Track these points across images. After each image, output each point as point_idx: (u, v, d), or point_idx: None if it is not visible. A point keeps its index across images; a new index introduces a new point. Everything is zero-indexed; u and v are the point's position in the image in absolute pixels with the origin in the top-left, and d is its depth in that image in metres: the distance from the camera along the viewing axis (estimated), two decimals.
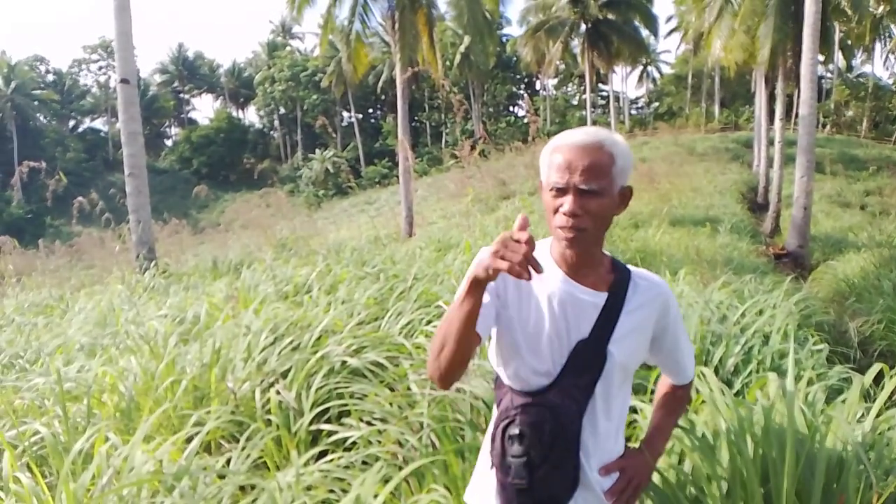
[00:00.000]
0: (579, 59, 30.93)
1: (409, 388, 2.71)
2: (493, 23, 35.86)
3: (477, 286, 1.22)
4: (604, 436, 1.44)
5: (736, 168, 26.59)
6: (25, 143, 53.49)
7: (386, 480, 2.10)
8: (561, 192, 1.33)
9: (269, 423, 2.71)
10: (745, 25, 17.27)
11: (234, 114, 67.50)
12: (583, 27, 28.38)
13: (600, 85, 50.66)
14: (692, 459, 1.99)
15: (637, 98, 65.67)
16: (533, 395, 1.41)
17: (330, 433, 2.55)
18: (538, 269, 1.13)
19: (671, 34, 51.85)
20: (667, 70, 58.18)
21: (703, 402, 2.35)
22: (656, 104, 60.54)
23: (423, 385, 2.61)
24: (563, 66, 44.03)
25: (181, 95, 69.76)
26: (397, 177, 20.50)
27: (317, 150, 51.19)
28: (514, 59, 50.39)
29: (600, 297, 1.41)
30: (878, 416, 2.19)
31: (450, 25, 41.21)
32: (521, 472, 1.38)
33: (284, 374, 2.97)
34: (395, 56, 16.66)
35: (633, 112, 62.14)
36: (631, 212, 11.68)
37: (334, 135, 55.61)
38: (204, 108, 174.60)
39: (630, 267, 1.49)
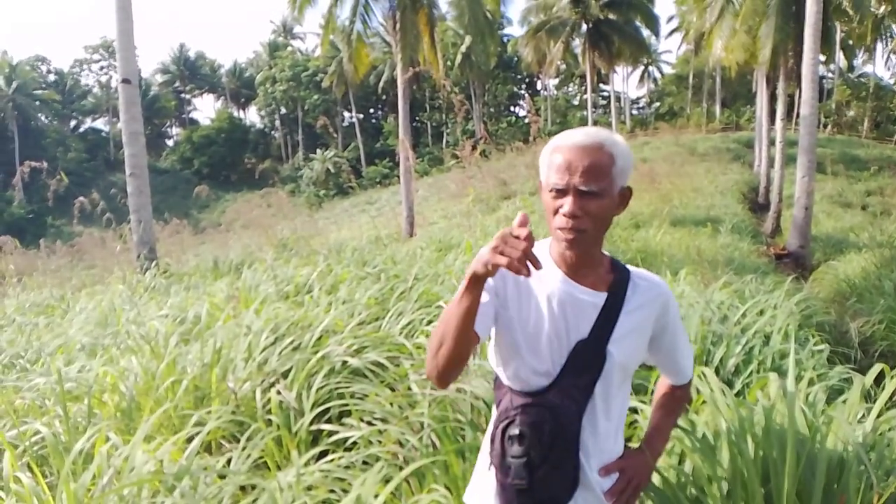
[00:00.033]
0: (580, 59, 30.98)
1: (409, 389, 2.72)
2: (494, 23, 35.93)
3: (476, 282, 1.22)
4: (603, 436, 1.44)
5: (737, 168, 26.58)
6: (27, 143, 53.54)
7: (386, 480, 2.10)
8: (561, 193, 1.32)
9: (269, 423, 2.71)
10: (746, 25, 17.27)
11: (236, 114, 67.56)
12: (584, 27, 28.39)
13: (601, 85, 50.67)
14: (693, 460, 1.99)
15: (638, 98, 65.76)
16: (532, 396, 1.41)
17: (330, 433, 2.55)
18: (537, 266, 1.14)
19: (672, 34, 51.80)
20: (668, 70, 58.22)
21: (704, 402, 2.35)
22: (657, 104, 60.51)
23: (424, 385, 2.61)
24: (564, 67, 43.97)
25: (182, 95, 69.82)
26: (398, 177, 20.50)
27: (318, 151, 51.20)
28: (516, 59, 50.42)
29: (600, 298, 1.41)
30: (878, 416, 2.19)
31: (451, 25, 41.22)
32: (520, 473, 1.38)
33: (285, 374, 2.97)
34: (396, 56, 16.66)
35: (635, 112, 62.12)
36: (632, 212, 11.68)
37: (335, 135, 55.64)
38: (205, 109, 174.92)
39: (629, 267, 1.49)
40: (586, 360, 1.39)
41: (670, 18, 48.10)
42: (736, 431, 1.98)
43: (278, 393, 2.77)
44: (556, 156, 1.34)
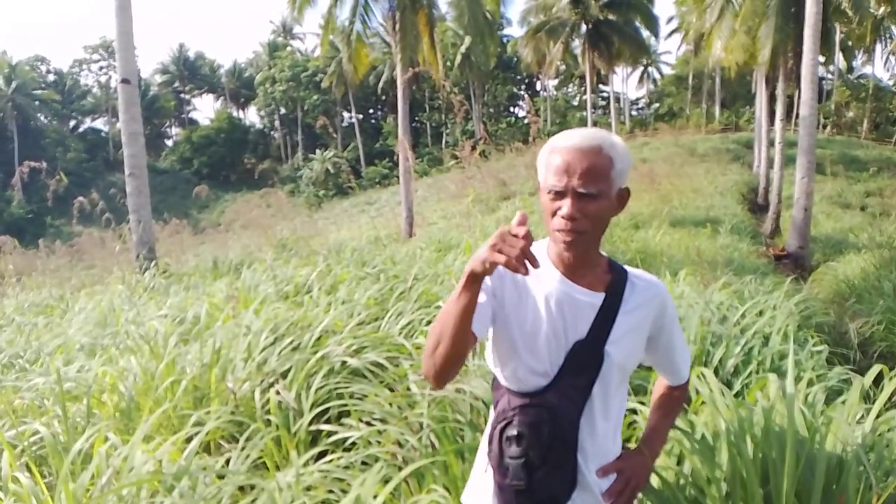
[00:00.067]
0: (580, 59, 30.98)
1: (408, 389, 2.72)
2: (493, 23, 35.93)
3: (474, 280, 1.22)
4: (602, 436, 1.44)
5: (736, 169, 26.57)
6: (26, 143, 53.53)
7: (386, 481, 2.10)
8: (559, 195, 1.32)
9: (268, 423, 2.71)
10: (745, 26, 17.27)
11: (235, 114, 67.55)
12: (583, 28, 28.39)
13: (601, 86, 50.67)
14: (692, 461, 1.99)
15: (638, 99, 65.78)
16: (531, 396, 1.41)
17: (330, 433, 2.55)
18: (535, 264, 1.14)
19: (672, 35, 51.88)
20: (667, 71, 58.23)
21: (704, 402, 2.35)
22: (657, 105, 60.54)
23: (423, 385, 2.61)
24: (563, 67, 43.96)
25: (182, 95, 69.78)
26: (398, 177, 20.51)
27: (317, 151, 51.22)
28: (515, 59, 50.45)
29: (597, 298, 1.41)
30: (877, 417, 2.19)
31: (450, 26, 41.26)
32: (519, 474, 1.38)
33: (284, 375, 2.97)
34: (395, 56, 16.66)
35: (634, 113, 62.14)
36: (631, 212, 11.69)
37: (335, 135, 55.65)
38: (205, 109, 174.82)
39: (627, 267, 1.49)
40: (584, 360, 1.39)
41: (670, 19, 48.17)
42: (735, 432, 1.98)
43: (277, 393, 2.77)
44: (554, 157, 1.34)
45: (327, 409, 2.72)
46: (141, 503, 2.16)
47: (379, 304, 4.01)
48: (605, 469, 1.46)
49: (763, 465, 1.90)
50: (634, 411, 2.38)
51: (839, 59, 39.08)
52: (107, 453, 2.36)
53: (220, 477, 2.30)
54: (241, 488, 2.31)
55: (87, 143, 60.84)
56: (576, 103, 60.22)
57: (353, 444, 2.50)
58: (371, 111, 61.96)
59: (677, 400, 1.68)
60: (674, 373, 1.62)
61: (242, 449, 2.42)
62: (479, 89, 51.94)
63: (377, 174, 46.62)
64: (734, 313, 3.87)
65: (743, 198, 20.14)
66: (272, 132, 65.44)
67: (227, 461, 2.47)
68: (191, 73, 68.42)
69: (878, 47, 32.43)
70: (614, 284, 1.43)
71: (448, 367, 1.33)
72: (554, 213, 1.33)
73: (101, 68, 67.16)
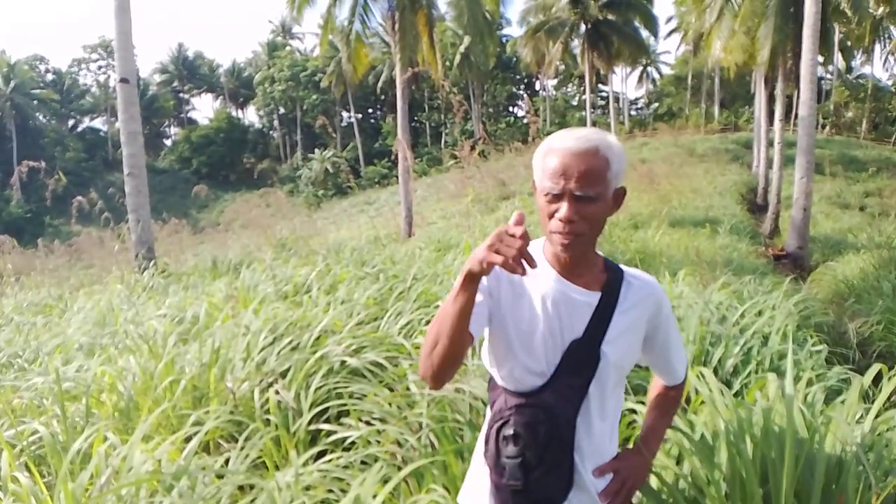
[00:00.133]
0: (579, 59, 30.94)
1: (408, 389, 2.72)
2: (493, 23, 35.94)
3: (471, 280, 1.22)
4: (598, 436, 1.44)
5: (735, 169, 26.58)
6: (25, 142, 53.51)
7: (385, 480, 2.10)
8: (556, 197, 1.31)
9: (268, 422, 2.71)
10: (745, 26, 17.28)
11: (234, 114, 67.55)
12: (583, 28, 28.38)
13: (600, 85, 50.67)
14: (691, 461, 1.99)
15: (637, 99, 65.78)
16: (527, 396, 1.41)
17: (329, 433, 2.55)
18: (532, 264, 1.14)
19: (671, 35, 51.99)
20: (667, 71, 58.27)
21: (703, 402, 2.35)
22: (656, 105, 60.57)
23: (423, 385, 2.61)
24: (562, 67, 44.02)
25: (181, 95, 69.76)
26: (397, 177, 20.50)
27: (316, 150, 51.21)
28: (514, 59, 50.44)
29: (594, 297, 1.41)
30: (877, 416, 2.19)
31: (450, 26, 41.26)
32: (515, 474, 1.38)
33: (283, 374, 2.97)
34: (395, 56, 16.66)
35: (633, 113, 62.16)
36: (631, 213, 11.70)
37: (334, 135, 55.64)
38: (204, 108, 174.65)
39: (623, 267, 1.49)
40: (580, 359, 1.39)
41: (669, 19, 48.25)
42: (734, 432, 1.98)
43: (277, 393, 2.77)
44: (550, 159, 1.33)
45: (326, 409, 2.72)
46: (140, 503, 2.15)
47: (378, 304, 4.01)
48: (602, 469, 1.45)
49: (762, 464, 1.90)
50: (634, 411, 2.37)
51: (838, 59, 39.17)
52: (106, 453, 2.36)
53: (220, 477, 2.30)
54: (241, 488, 2.31)
55: (86, 142, 60.79)
56: (575, 103, 60.23)
57: (353, 443, 2.50)
58: (370, 111, 61.97)
59: (673, 400, 1.68)
60: (670, 373, 1.62)
61: (241, 449, 2.42)
62: (479, 89, 51.95)
63: (376, 174, 46.62)
64: (733, 313, 3.87)
65: (742, 198, 20.16)
66: (271, 132, 65.42)
67: (227, 461, 2.46)
68: (190, 72, 68.38)
69: (877, 47, 32.57)
70: (610, 284, 1.43)
71: (446, 368, 1.33)
72: (551, 216, 1.33)
73: (99, 68, 67.21)
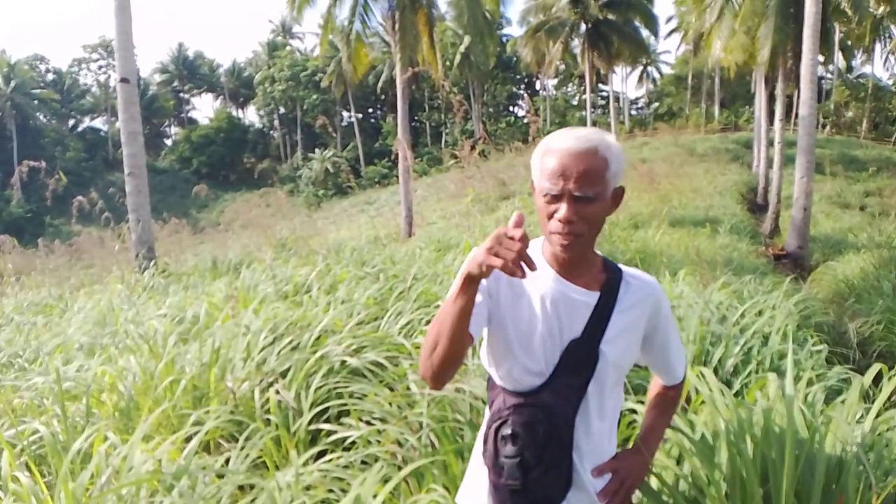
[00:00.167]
0: (579, 59, 30.93)
1: (408, 388, 2.72)
2: (493, 23, 35.95)
3: (470, 283, 1.22)
4: (597, 436, 1.44)
5: (736, 169, 26.59)
6: (25, 142, 53.51)
7: (385, 480, 2.10)
8: (555, 198, 1.31)
9: (268, 422, 2.71)
10: (745, 26, 17.27)
11: (234, 113, 67.55)
12: (583, 27, 28.36)
13: (600, 85, 50.66)
14: (691, 461, 1.99)
15: (637, 98, 65.80)
16: (525, 396, 1.41)
17: (329, 433, 2.55)
18: (532, 267, 1.13)
19: (671, 35, 51.90)
20: (667, 70, 58.26)
21: (703, 402, 2.35)
22: (656, 105, 60.56)
23: (423, 385, 2.61)
24: (563, 67, 43.98)
25: (181, 95, 69.77)
26: (397, 177, 20.50)
27: (316, 150, 51.21)
28: (515, 59, 50.42)
29: (592, 297, 1.41)
30: (877, 416, 2.19)
31: (450, 25, 41.26)
32: (514, 473, 1.38)
33: (284, 374, 2.97)
34: (395, 56, 16.65)
35: (633, 112, 62.17)
36: (631, 212, 11.70)
37: (334, 135, 55.64)
38: (204, 108, 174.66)
39: (622, 266, 1.49)
40: (579, 359, 1.39)
41: (669, 19, 48.25)
42: (735, 432, 1.98)
43: (277, 392, 2.77)
44: (548, 160, 1.32)
45: (327, 409, 2.72)
46: (140, 502, 2.15)
47: (378, 304, 4.01)
48: (601, 469, 1.45)
49: (762, 464, 1.90)
50: (634, 411, 2.37)
51: (838, 58, 39.13)
52: (106, 453, 2.36)
53: (220, 476, 2.30)
54: (241, 488, 2.31)
55: (87, 142, 60.81)
56: (575, 103, 60.22)
57: (353, 443, 2.50)
58: (370, 111, 61.97)
59: (672, 399, 1.67)
60: (669, 372, 1.62)
61: (242, 448, 2.42)
62: (479, 89, 51.94)
63: (376, 174, 46.62)
64: (733, 313, 3.87)
65: (742, 198, 20.16)
66: (271, 132, 65.42)
67: (227, 461, 2.46)
68: (190, 72, 68.39)
69: (878, 47, 32.52)
70: (609, 283, 1.43)
71: (446, 369, 1.33)
72: (550, 216, 1.33)
73: (100, 67, 67.21)
